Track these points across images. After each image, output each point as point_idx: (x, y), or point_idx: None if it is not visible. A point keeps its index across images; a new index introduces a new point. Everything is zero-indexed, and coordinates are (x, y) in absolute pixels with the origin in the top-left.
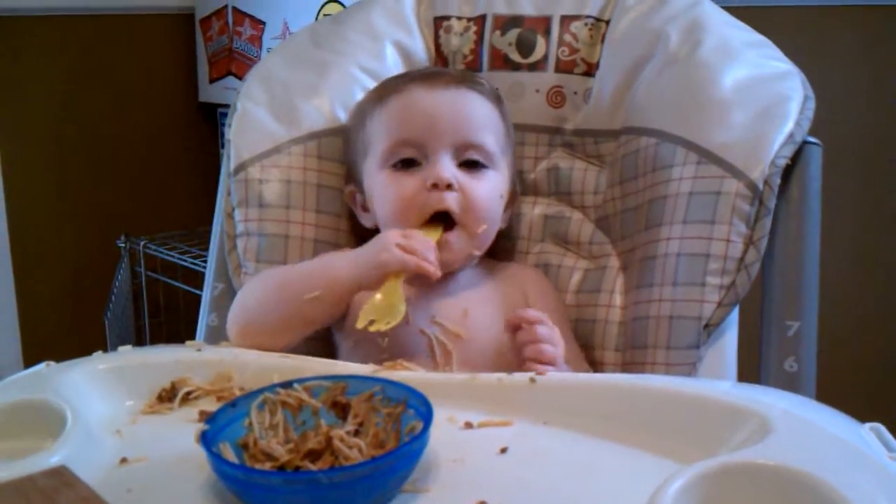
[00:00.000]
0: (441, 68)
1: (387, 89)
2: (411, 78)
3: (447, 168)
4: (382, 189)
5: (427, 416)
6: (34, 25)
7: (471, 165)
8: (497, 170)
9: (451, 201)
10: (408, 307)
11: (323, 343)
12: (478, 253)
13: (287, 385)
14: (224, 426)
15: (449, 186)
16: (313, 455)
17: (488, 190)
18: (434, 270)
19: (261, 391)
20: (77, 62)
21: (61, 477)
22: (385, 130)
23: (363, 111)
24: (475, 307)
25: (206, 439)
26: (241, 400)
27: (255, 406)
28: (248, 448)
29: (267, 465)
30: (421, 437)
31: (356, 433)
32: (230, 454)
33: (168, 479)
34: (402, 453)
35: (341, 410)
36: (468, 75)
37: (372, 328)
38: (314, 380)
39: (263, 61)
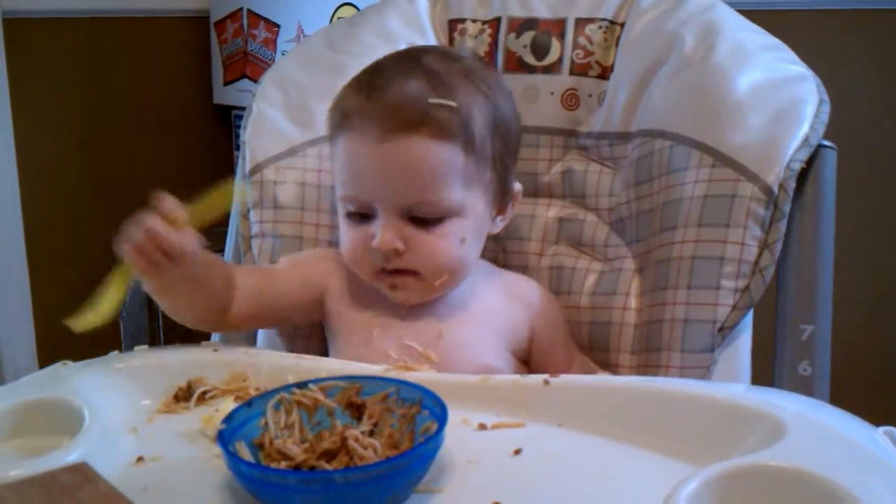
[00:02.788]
0: (399, 79)
1: (342, 116)
2: (360, 107)
3: (390, 232)
4: (341, 232)
5: (442, 417)
6: (50, 27)
7: (423, 220)
8: (458, 214)
9: (398, 263)
10: (378, 328)
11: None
12: (449, 289)
13: (302, 385)
14: (240, 426)
15: (394, 252)
16: (328, 455)
17: (443, 244)
18: (150, 267)
19: (276, 391)
20: (92, 64)
21: (82, 473)
22: (337, 176)
23: (328, 133)
24: (453, 328)
25: (222, 438)
26: (257, 400)
27: (271, 406)
28: (263, 447)
29: (282, 465)
30: (436, 438)
31: (371, 434)
32: (246, 453)
33: (184, 478)
34: (417, 453)
35: (356, 411)
36: (419, 105)
37: (86, 325)
38: (330, 380)
39: (279, 64)
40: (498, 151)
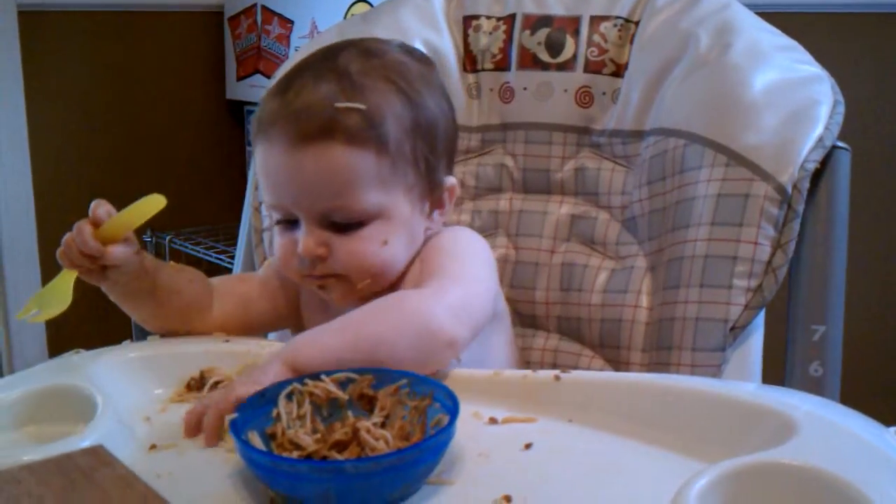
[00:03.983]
0: (310, 83)
1: (259, 121)
2: (274, 112)
3: (311, 239)
4: (273, 238)
5: (453, 410)
6: (65, 20)
7: (343, 225)
8: (378, 217)
9: (323, 268)
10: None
11: None
12: (377, 289)
13: (315, 377)
14: (252, 415)
15: (318, 258)
16: (340, 446)
17: (364, 248)
18: (76, 270)
19: (289, 382)
20: (106, 58)
21: (99, 456)
22: (259, 183)
23: (252, 137)
24: None
25: (235, 427)
26: (270, 390)
27: (284, 397)
28: (275, 437)
29: (294, 455)
30: (447, 430)
31: (382, 425)
32: (258, 443)
33: (196, 466)
34: (428, 445)
35: (368, 403)
36: (327, 110)
37: (33, 319)
38: (341, 372)
39: (293, 59)
40: (420, 151)
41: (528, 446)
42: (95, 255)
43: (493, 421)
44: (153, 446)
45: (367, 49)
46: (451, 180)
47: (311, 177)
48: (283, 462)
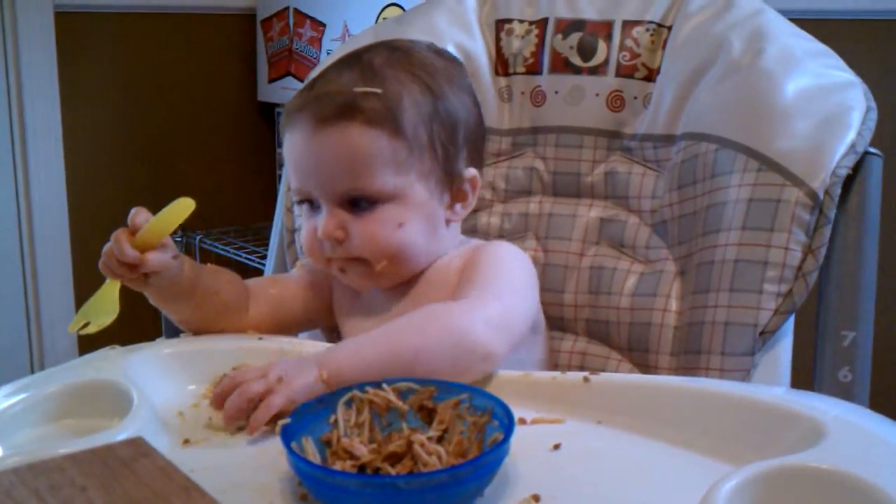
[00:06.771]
0: (334, 74)
1: (286, 115)
2: (299, 104)
3: (330, 222)
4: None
5: (508, 428)
6: (98, 22)
7: (359, 206)
8: (392, 200)
9: (342, 251)
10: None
11: None
12: (397, 274)
13: (376, 385)
14: (308, 421)
15: (336, 241)
16: (393, 458)
17: (379, 230)
18: (116, 277)
19: (349, 389)
20: (139, 59)
21: (138, 447)
22: (286, 172)
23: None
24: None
25: (286, 433)
26: (329, 397)
27: (343, 403)
28: (330, 445)
29: (348, 464)
30: (499, 449)
31: (440, 440)
32: (312, 449)
33: (229, 462)
34: (479, 464)
35: (427, 415)
36: (346, 94)
37: (83, 331)
38: (403, 381)
39: (324, 62)
40: (437, 137)
41: (556, 447)
42: (134, 264)
43: (521, 422)
44: (186, 441)
45: (394, 46)
46: (471, 171)
47: (329, 157)
48: (333, 475)
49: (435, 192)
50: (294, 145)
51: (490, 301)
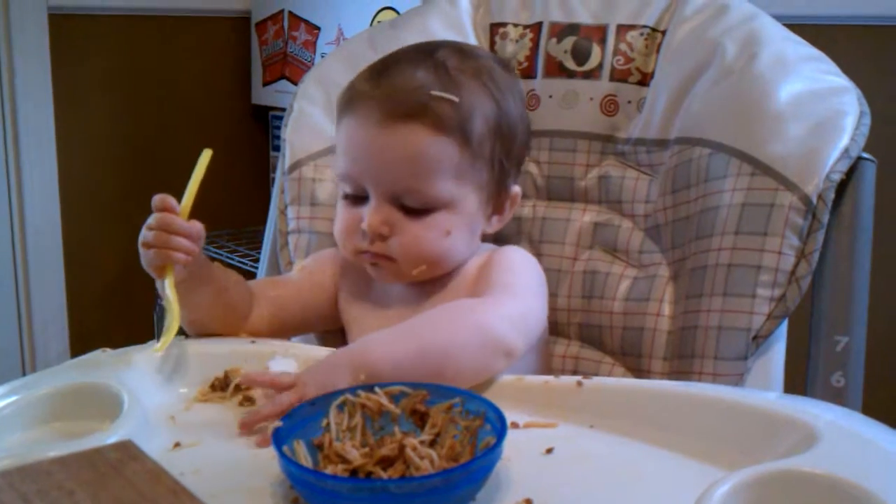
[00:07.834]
0: (408, 68)
1: (349, 99)
2: (367, 91)
3: (378, 216)
4: (336, 211)
5: (500, 433)
6: (92, 24)
7: (412, 208)
8: (446, 207)
9: (380, 248)
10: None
11: None
12: (429, 277)
13: (368, 388)
14: (300, 424)
15: (379, 236)
16: (386, 462)
17: (427, 234)
18: (181, 257)
19: (341, 392)
20: (134, 61)
21: (127, 450)
22: (338, 154)
23: (336, 114)
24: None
25: (277, 437)
26: (321, 400)
27: (335, 406)
28: (322, 448)
29: (339, 468)
30: (491, 453)
31: (432, 443)
32: (303, 453)
33: (220, 465)
34: (471, 468)
35: (420, 419)
36: (421, 95)
37: (168, 339)
38: (396, 385)
39: (321, 64)
40: (497, 153)
41: (549, 451)
42: (192, 233)
43: (514, 426)
44: (177, 444)
45: (461, 49)
46: (515, 189)
47: (393, 155)
48: (324, 479)
49: (483, 204)
50: (355, 132)
51: (509, 300)
